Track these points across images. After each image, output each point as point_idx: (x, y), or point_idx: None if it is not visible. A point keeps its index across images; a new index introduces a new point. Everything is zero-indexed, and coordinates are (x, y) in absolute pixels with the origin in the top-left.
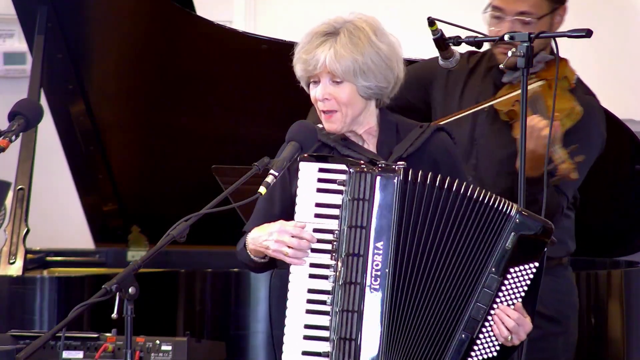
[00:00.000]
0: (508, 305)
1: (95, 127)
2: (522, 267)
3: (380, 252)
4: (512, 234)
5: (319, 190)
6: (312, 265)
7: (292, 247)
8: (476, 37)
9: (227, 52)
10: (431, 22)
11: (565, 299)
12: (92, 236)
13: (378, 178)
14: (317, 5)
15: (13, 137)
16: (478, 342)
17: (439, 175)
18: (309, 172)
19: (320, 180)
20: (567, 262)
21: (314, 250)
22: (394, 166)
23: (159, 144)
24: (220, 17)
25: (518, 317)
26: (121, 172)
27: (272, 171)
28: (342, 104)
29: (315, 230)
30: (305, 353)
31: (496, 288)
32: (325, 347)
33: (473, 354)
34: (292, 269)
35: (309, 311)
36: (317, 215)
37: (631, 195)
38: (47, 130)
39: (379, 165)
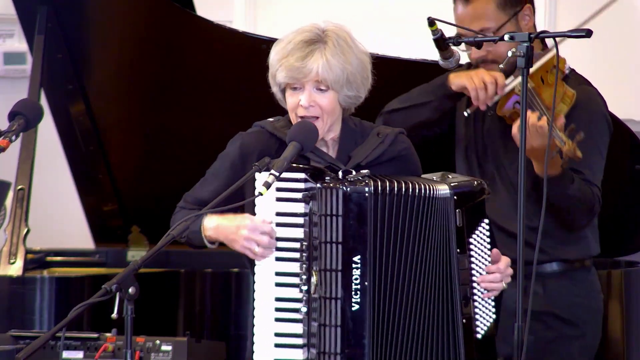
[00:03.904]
0: (483, 264)
1: (95, 127)
2: (477, 232)
3: (358, 266)
4: (457, 210)
5: (279, 199)
6: (278, 274)
7: (261, 245)
8: (476, 37)
9: (227, 52)
10: (431, 22)
11: (584, 303)
12: (92, 236)
13: (348, 193)
14: (317, 5)
15: (13, 137)
16: (477, 317)
17: (402, 182)
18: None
19: (278, 189)
20: (590, 265)
21: (279, 259)
22: (359, 177)
23: (159, 144)
24: (220, 17)
25: (497, 268)
26: (121, 172)
27: (272, 171)
28: (324, 112)
29: (279, 239)
30: None
31: (468, 262)
32: (298, 354)
33: (479, 328)
34: (257, 277)
35: (278, 319)
36: (279, 225)
37: (631, 195)
38: (47, 130)
39: (346, 177)
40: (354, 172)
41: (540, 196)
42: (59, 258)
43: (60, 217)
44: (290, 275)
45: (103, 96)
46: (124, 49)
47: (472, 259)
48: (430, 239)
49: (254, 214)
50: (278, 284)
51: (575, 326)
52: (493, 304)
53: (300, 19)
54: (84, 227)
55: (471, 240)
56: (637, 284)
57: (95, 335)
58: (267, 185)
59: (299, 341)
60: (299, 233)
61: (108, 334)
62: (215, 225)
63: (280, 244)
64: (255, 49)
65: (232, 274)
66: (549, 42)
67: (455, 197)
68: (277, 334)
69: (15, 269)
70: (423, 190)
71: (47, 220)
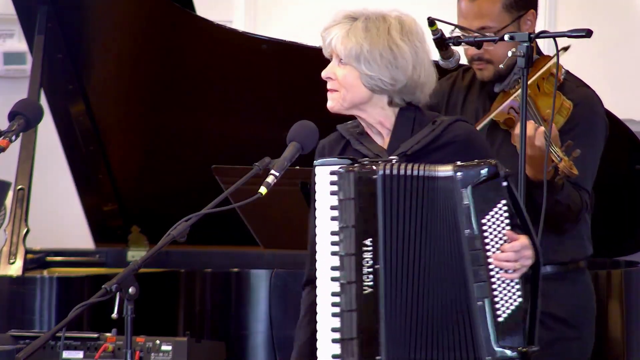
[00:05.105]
0: (500, 246)
1: (95, 127)
2: (492, 212)
3: (370, 249)
4: (463, 190)
5: (332, 192)
6: (333, 268)
7: None
8: (476, 37)
9: (227, 52)
10: (431, 22)
11: (582, 304)
12: (92, 236)
13: (358, 176)
14: (317, 5)
15: (13, 137)
16: (496, 299)
17: (408, 165)
18: (322, 176)
19: (332, 182)
20: (585, 266)
21: (333, 254)
22: (375, 161)
23: (159, 144)
24: (220, 17)
25: (510, 247)
26: (121, 172)
27: (272, 171)
28: (341, 86)
29: (333, 233)
30: (334, 356)
31: (480, 244)
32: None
33: (500, 312)
34: (318, 274)
35: (334, 314)
36: (333, 218)
37: (631, 195)
38: (47, 130)
39: (362, 162)
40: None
41: (532, 205)
42: (59, 258)
43: (60, 217)
44: (339, 269)
45: (103, 96)
46: (124, 49)
47: (488, 240)
48: (437, 220)
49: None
50: (333, 279)
51: (574, 328)
52: (518, 287)
53: (300, 19)
54: (84, 227)
55: (484, 221)
56: (637, 284)
57: (95, 335)
58: (267, 186)
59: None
60: None
61: (108, 334)
62: None
63: (334, 238)
64: (255, 49)
65: (232, 274)
66: (544, 48)
67: (459, 177)
68: (332, 329)
69: (15, 269)
70: (424, 171)
71: (47, 220)
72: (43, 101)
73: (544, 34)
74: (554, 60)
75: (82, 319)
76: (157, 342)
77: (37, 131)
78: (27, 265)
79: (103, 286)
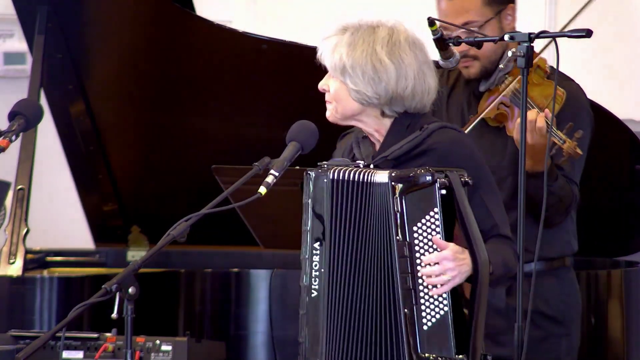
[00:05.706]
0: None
1: (95, 127)
2: (424, 220)
3: (318, 252)
4: (396, 197)
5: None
6: None
7: None
8: (476, 37)
9: (227, 52)
10: (431, 22)
11: (569, 301)
12: (92, 236)
13: (313, 178)
14: (317, 5)
15: (13, 137)
16: (423, 307)
17: (349, 169)
18: None
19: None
20: (570, 264)
21: None
22: (329, 166)
23: (159, 144)
24: (220, 17)
25: (427, 259)
26: (121, 172)
27: (272, 171)
28: (331, 98)
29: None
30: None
31: (409, 252)
32: None
33: (425, 320)
34: None
35: None
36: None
37: (631, 195)
38: (47, 130)
39: (322, 166)
40: (366, 165)
41: (525, 196)
42: (59, 258)
43: (60, 217)
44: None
45: (103, 96)
46: (123, 49)
47: (417, 248)
48: (374, 226)
49: None
50: None
51: (563, 325)
52: (444, 295)
53: (300, 19)
54: (84, 227)
55: (415, 228)
56: (637, 284)
57: (95, 335)
58: (267, 186)
59: None
60: None
61: (108, 334)
62: None
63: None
64: (255, 49)
65: (232, 274)
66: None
67: (392, 184)
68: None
69: (15, 269)
70: (362, 177)
71: (47, 220)
72: (43, 101)
73: (544, 34)
74: (541, 57)
75: (82, 319)
76: (157, 342)
77: (37, 131)
78: (27, 265)
79: (103, 286)
